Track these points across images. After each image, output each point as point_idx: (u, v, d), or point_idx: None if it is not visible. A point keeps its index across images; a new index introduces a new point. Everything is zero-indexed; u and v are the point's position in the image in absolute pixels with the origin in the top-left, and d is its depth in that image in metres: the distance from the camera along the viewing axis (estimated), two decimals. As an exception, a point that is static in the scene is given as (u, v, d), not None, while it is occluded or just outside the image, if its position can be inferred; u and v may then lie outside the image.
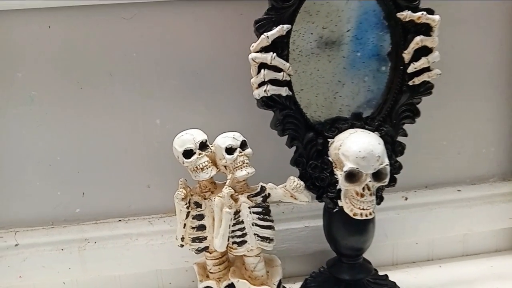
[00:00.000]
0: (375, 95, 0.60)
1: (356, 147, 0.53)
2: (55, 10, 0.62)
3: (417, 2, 0.55)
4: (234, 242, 0.58)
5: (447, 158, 0.75)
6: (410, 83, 0.57)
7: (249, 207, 0.57)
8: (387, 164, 0.54)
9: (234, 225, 0.57)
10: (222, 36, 0.65)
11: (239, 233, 0.57)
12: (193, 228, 0.59)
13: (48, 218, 0.69)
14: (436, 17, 0.55)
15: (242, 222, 0.57)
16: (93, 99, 0.65)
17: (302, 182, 0.57)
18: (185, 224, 0.59)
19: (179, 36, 0.65)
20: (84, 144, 0.67)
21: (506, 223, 0.76)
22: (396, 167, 0.60)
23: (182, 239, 0.60)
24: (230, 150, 0.57)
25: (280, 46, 0.52)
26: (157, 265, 0.70)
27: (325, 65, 0.57)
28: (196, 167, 0.58)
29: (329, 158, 0.57)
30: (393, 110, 0.59)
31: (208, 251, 0.61)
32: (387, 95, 0.59)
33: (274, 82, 0.54)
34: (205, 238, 0.60)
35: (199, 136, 0.58)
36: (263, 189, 0.59)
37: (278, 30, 0.52)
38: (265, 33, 0.52)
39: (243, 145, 0.57)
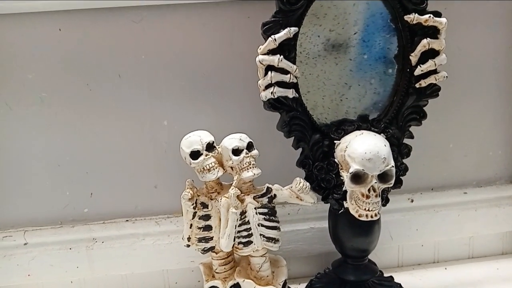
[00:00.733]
0: (382, 97, 0.60)
1: (362, 148, 0.53)
2: (65, 13, 0.63)
3: (424, 4, 0.55)
4: (240, 243, 0.58)
5: (453, 160, 0.75)
6: (417, 85, 0.58)
7: (255, 208, 0.58)
8: (392, 166, 0.54)
9: (240, 225, 0.58)
10: (229, 38, 0.66)
11: (245, 233, 0.58)
12: (199, 228, 0.60)
13: (56, 218, 0.70)
14: (443, 19, 0.55)
15: (248, 222, 0.58)
16: (102, 100, 0.66)
17: (308, 184, 0.57)
18: (191, 225, 0.60)
19: (187, 38, 0.65)
20: (92, 145, 0.68)
21: (512, 226, 0.76)
22: (402, 169, 0.60)
23: (189, 239, 0.61)
24: (236, 152, 0.57)
25: (287, 49, 0.53)
26: (163, 265, 0.70)
27: (331, 67, 0.57)
28: (203, 168, 0.58)
29: (335, 160, 0.57)
30: (400, 112, 0.59)
31: (214, 251, 0.62)
32: (393, 98, 0.60)
33: (281, 84, 0.54)
34: (211, 238, 0.60)
35: (206, 137, 0.59)
36: (269, 190, 0.59)
37: (285, 33, 0.52)
38: (272, 36, 0.52)
39: (250, 147, 0.58)
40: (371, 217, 0.55)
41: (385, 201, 0.60)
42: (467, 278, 0.72)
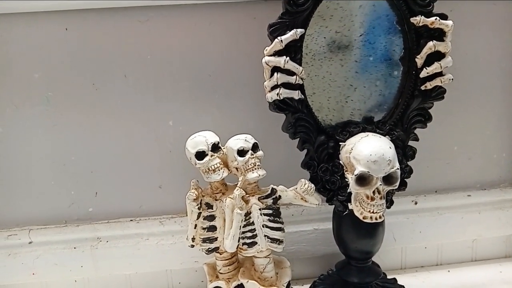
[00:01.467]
0: (387, 99, 0.60)
1: (368, 151, 0.53)
2: (72, 13, 0.63)
3: (430, 7, 0.55)
4: (244, 243, 0.59)
5: (457, 163, 0.75)
6: (422, 87, 0.58)
7: (259, 209, 0.58)
8: (397, 168, 0.54)
9: (244, 226, 0.58)
10: (235, 39, 0.66)
11: (249, 234, 0.58)
12: (204, 228, 0.60)
13: (61, 217, 0.71)
14: (449, 22, 0.55)
15: (253, 223, 0.58)
16: (107, 100, 0.67)
17: (312, 185, 0.58)
18: (196, 225, 0.60)
19: (193, 38, 0.65)
20: (97, 145, 0.68)
21: (516, 229, 0.76)
22: (406, 171, 0.60)
23: (193, 239, 0.61)
24: (242, 152, 0.57)
25: (293, 50, 0.53)
26: (167, 264, 0.71)
27: (337, 69, 0.58)
28: (208, 169, 0.58)
29: (340, 162, 0.57)
30: (405, 114, 0.59)
31: (218, 252, 0.62)
32: (398, 100, 0.60)
33: (286, 85, 0.54)
34: (216, 239, 0.60)
35: (212, 138, 0.59)
36: (273, 191, 0.59)
37: (291, 34, 0.52)
38: (278, 37, 0.52)
39: (255, 148, 0.58)
40: (376, 219, 0.55)
41: (389, 203, 0.60)
42: (470, 281, 0.72)
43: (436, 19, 0.55)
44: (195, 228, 0.60)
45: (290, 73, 0.54)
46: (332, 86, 0.58)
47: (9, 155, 0.68)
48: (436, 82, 0.57)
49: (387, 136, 0.58)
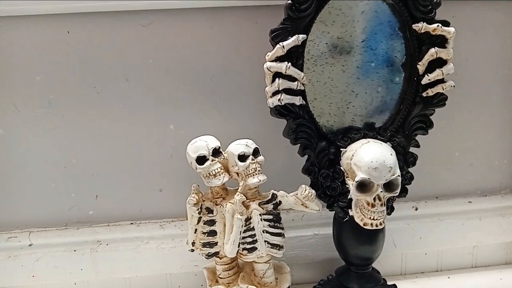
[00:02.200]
0: (388, 105, 0.60)
1: (369, 157, 0.53)
2: (74, 16, 0.63)
3: (432, 13, 0.55)
4: (244, 249, 0.58)
5: (458, 169, 0.75)
6: (424, 94, 0.58)
7: (260, 214, 0.58)
8: (398, 175, 0.54)
9: (244, 231, 0.58)
10: (237, 43, 0.66)
11: (249, 239, 0.58)
12: (204, 233, 0.60)
13: (61, 220, 0.71)
14: (451, 29, 0.55)
15: (253, 229, 0.58)
16: (109, 103, 0.67)
17: (313, 191, 0.58)
18: (196, 229, 0.60)
19: (195, 43, 0.65)
20: (98, 148, 0.68)
21: (516, 236, 0.76)
22: (407, 178, 0.60)
23: (193, 244, 0.61)
24: (242, 157, 0.57)
25: (295, 56, 0.53)
26: (167, 268, 0.70)
27: (338, 74, 0.58)
28: (209, 173, 0.58)
29: (341, 168, 0.57)
30: (406, 121, 0.59)
31: (218, 257, 0.62)
32: (400, 106, 0.60)
33: (288, 91, 0.54)
34: (216, 243, 0.60)
35: (213, 142, 0.59)
36: (274, 196, 0.59)
37: (293, 40, 0.52)
38: (280, 43, 0.52)
39: (256, 153, 0.58)
40: (376, 225, 0.55)
41: (390, 209, 0.59)
42: None
43: (438, 25, 0.55)
44: (195, 232, 0.60)
45: (292, 79, 0.54)
46: (333, 92, 0.58)
47: (10, 157, 0.68)
48: (438, 89, 0.57)
49: (388, 143, 0.58)
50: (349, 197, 0.56)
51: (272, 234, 0.58)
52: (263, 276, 0.60)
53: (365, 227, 0.55)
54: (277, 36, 0.53)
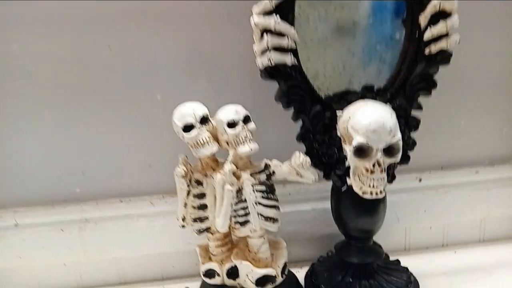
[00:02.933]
0: (388, 65, 0.56)
1: (367, 119, 0.49)
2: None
3: (434, -38, 0.51)
4: (236, 222, 0.55)
5: (465, 137, 0.70)
6: (426, 51, 0.53)
7: (252, 185, 0.54)
8: (399, 139, 0.50)
9: (236, 204, 0.54)
10: (225, 6, 0.61)
11: (241, 212, 0.55)
12: (194, 207, 0.57)
13: (48, 198, 0.67)
14: (454, -23, 0.51)
15: (245, 200, 0.54)
16: (92, 74, 0.63)
17: (308, 158, 0.54)
18: (186, 203, 0.57)
19: (181, 7, 0.61)
20: (84, 123, 0.65)
21: (527, 207, 0.72)
22: (409, 144, 0.56)
23: (183, 219, 0.58)
24: (232, 125, 0.53)
25: (285, 10, 0.49)
26: (159, 247, 0.67)
27: (333, 31, 0.53)
28: (197, 143, 0.55)
29: (337, 133, 0.53)
30: (407, 81, 0.55)
31: (210, 232, 0.58)
32: (401, 66, 0.55)
33: (278, 49, 0.50)
34: (207, 218, 0.57)
35: (200, 109, 0.55)
36: (267, 166, 0.55)
37: (282, -7, 0.48)
38: (269, -4, 0.48)
39: (246, 120, 0.54)
40: (376, 194, 0.51)
41: (391, 177, 0.56)
42: (477, 263, 0.69)
43: (440, -26, 0.50)
44: (185, 207, 0.57)
45: (282, 35, 0.50)
46: (328, 51, 0.54)
47: (-9, 134, 0.65)
48: (441, 44, 0.53)
49: (388, 105, 0.54)
50: (346, 164, 0.52)
51: (265, 206, 0.55)
52: (258, 251, 0.57)
53: (364, 196, 0.52)
54: (265, -10, 0.49)
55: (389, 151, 0.51)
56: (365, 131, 0.49)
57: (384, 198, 0.56)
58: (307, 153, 0.55)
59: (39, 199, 0.67)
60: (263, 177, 0.55)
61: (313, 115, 0.54)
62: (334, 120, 0.54)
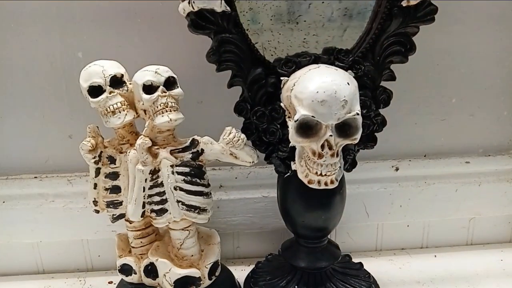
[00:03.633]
0: (355, 22, 0.44)
1: (313, 86, 0.38)
2: None
3: None
4: (152, 210, 0.44)
5: (455, 120, 0.60)
6: (404, 3, 0.41)
7: (171, 166, 0.43)
8: (358, 114, 0.38)
9: (151, 188, 0.44)
10: None
11: (157, 198, 0.44)
12: (106, 189, 0.46)
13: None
14: None
15: (162, 184, 0.43)
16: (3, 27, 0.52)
17: (242, 135, 0.43)
18: (96, 184, 0.46)
19: None
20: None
21: (525, 207, 0.61)
22: (377, 123, 0.44)
23: (95, 202, 0.47)
24: (149, 89, 0.42)
25: None
26: (78, 233, 0.58)
27: (282, -28, 0.41)
28: (106, 110, 0.44)
29: (281, 104, 0.41)
30: (378, 41, 0.43)
31: (127, 220, 0.48)
32: (372, 23, 0.43)
33: (204, -10, 0.38)
34: (121, 203, 0.46)
35: (112, 68, 0.44)
36: (194, 143, 0.44)
37: None
38: None
39: (170, 84, 0.43)
40: (326, 184, 0.40)
41: (350, 165, 0.44)
42: (462, 270, 0.59)
43: None
44: (95, 188, 0.47)
45: (207, -30, 0.38)
46: (276, 0, 0.42)
47: None
48: (424, -6, 0.41)
49: (349, 71, 0.42)
50: (291, 144, 0.41)
51: (188, 192, 0.44)
52: (181, 247, 0.46)
53: (311, 185, 0.41)
54: None
55: (343, 129, 0.39)
56: (311, 102, 0.37)
57: (340, 189, 0.45)
58: (244, 128, 0.44)
59: None
60: (187, 156, 0.44)
61: (252, 80, 0.42)
62: (279, 88, 0.42)
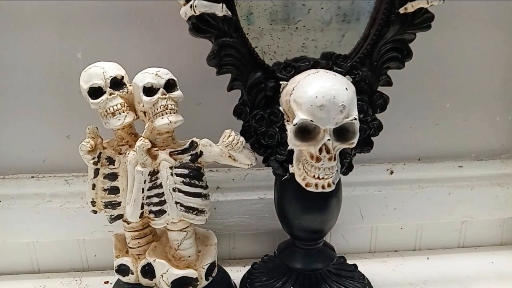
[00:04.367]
0: (353, 27, 0.44)
1: (312, 91, 0.38)
2: None
3: None
4: (150, 211, 0.45)
5: (449, 125, 0.60)
6: (401, 10, 0.42)
7: (170, 167, 0.43)
8: (355, 118, 0.39)
9: (150, 189, 0.44)
10: None
11: (156, 199, 0.44)
12: (104, 190, 0.47)
13: None
14: None
15: (161, 186, 0.44)
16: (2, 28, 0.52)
17: (241, 138, 0.43)
18: (94, 185, 0.47)
19: None
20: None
21: (516, 211, 0.62)
22: (373, 127, 0.45)
23: (93, 203, 0.47)
24: (149, 91, 0.43)
25: None
26: (75, 233, 0.57)
27: (283, -21, 0.42)
28: (106, 111, 0.44)
29: (280, 108, 0.42)
30: (375, 47, 0.43)
31: (125, 221, 0.48)
32: (370, 29, 0.44)
33: (205, -5, 0.39)
34: (119, 204, 0.47)
35: (112, 70, 0.44)
36: (193, 145, 0.45)
37: None
38: None
39: (170, 86, 0.43)
40: (323, 187, 0.41)
41: (346, 168, 0.45)
42: (454, 272, 0.59)
43: None
44: (93, 188, 0.47)
45: (209, -25, 0.38)
46: (276, 5, 0.43)
47: None
48: (421, 2, 0.41)
49: (347, 77, 0.42)
50: (289, 147, 0.42)
51: (186, 193, 0.44)
52: (178, 248, 0.47)
53: (308, 188, 0.41)
54: None
55: (341, 133, 0.40)
56: (310, 106, 0.38)
57: (337, 192, 0.46)
58: (243, 131, 0.44)
59: None
60: (186, 158, 0.44)
61: (252, 84, 0.42)
62: (278, 92, 0.42)
